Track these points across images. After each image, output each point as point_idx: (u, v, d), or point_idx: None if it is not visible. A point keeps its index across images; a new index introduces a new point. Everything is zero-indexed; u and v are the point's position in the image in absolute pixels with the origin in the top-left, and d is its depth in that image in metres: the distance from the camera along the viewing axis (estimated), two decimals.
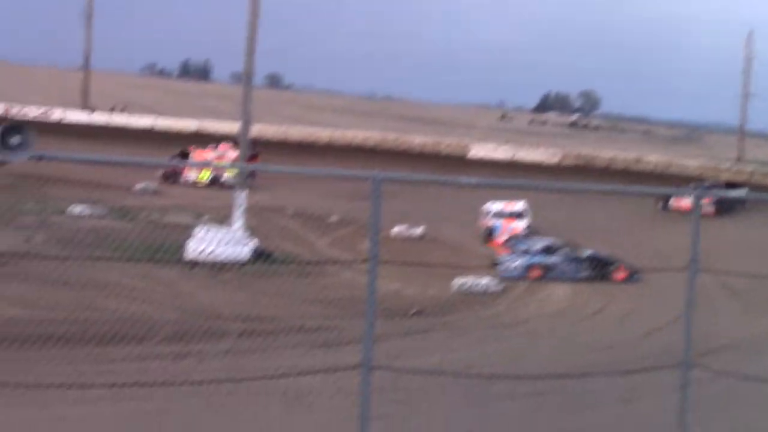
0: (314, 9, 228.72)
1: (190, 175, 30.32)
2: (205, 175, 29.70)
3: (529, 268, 19.25)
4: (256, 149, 35.31)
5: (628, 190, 19.31)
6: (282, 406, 8.29)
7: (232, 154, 32.56)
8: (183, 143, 36.76)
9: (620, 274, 19.08)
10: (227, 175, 28.45)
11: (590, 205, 27.46)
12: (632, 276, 19.07)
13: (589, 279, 18.84)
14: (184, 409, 8.16)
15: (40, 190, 18.53)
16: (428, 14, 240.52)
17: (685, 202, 25.58)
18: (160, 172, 29.29)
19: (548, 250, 20.01)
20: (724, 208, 28.39)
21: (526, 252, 19.99)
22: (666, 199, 30.11)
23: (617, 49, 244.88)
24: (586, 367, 11.06)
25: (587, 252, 20.19)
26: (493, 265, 19.59)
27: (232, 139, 36.33)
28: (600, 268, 18.84)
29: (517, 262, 19.44)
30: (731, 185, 35.09)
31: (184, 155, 32.01)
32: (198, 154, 33.02)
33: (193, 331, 11.87)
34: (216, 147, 34.63)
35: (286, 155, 37.86)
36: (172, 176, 29.74)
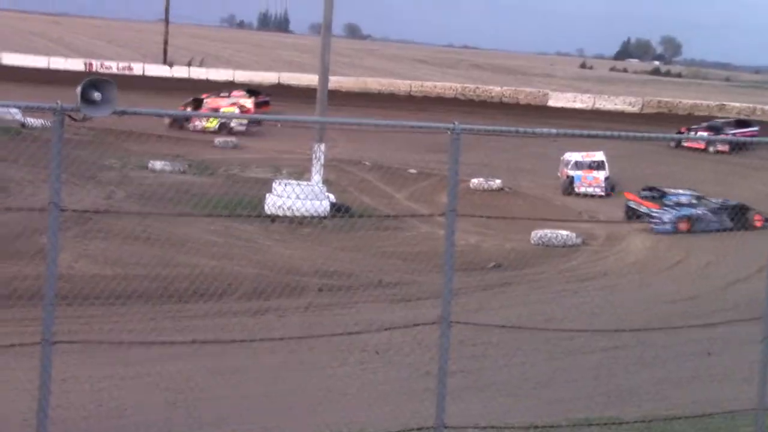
0: None
1: (198, 122, 30.03)
2: (214, 122, 29.64)
3: (678, 221, 18.75)
4: (266, 96, 36.31)
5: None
6: (362, 362, 8.24)
7: (247, 101, 34.24)
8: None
9: (758, 221, 18.16)
10: (235, 122, 29.26)
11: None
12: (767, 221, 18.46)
13: (733, 228, 18.10)
14: (264, 365, 8.25)
15: (121, 146, 18.86)
16: None
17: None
18: (167, 120, 28.60)
19: (691, 203, 19.65)
20: (738, 146, 30.89)
21: (674, 205, 19.41)
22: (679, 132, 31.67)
23: None
24: (666, 320, 10.90)
25: (719, 201, 19.68)
26: (639, 218, 19.11)
27: (247, 87, 38.28)
28: (740, 216, 17.95)
29: (668, 216, 18.85)
30: (742, 122, 36.43)
31: (198, 103, 32.12)
32: (212, 102, 33.27)
33: (273, 287, 11.93)
34: (229, 95, 35.22)
35: (366, 106, 37.77)
36: (179, 122, 29.32)
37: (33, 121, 20.57)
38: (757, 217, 18.10)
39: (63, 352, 4.03)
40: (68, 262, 11.03)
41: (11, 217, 13.11)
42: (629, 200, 20.28)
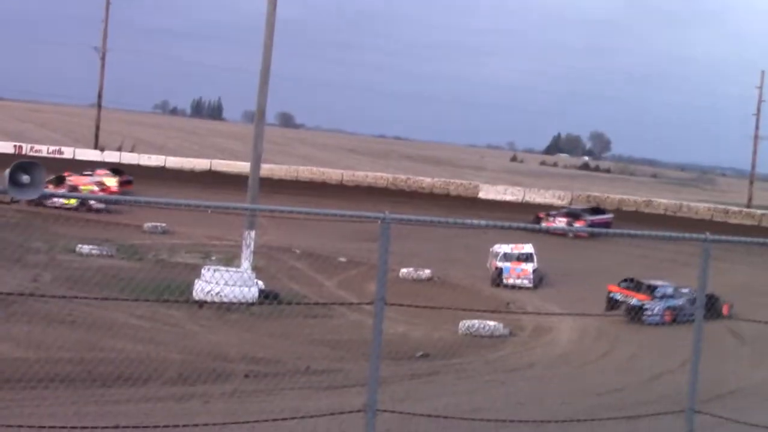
0: (326, 50, 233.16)
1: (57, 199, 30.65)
2: (72, 200, 30.33)
3: (664, 312, 19.91)
4: (129, 176, 37.83)
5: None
6: None
7: (110, 179, 35.82)
8: (196, 182, 37.52)
9: (726, 310, 19.63)
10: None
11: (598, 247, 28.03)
12: (731, 309, 19.82)
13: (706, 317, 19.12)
14: None
15: (49, 229, 18.67)
16: (438, 55, 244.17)
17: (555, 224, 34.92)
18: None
19: (673, 294, 20.85)
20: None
21: (662, 297, 20.48)
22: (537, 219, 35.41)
23: (628, 93, 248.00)
24: (591, 412, 11.09)
25: (691, 291, 20.74)
26: (632, 310, 19.82)
27: (110, 167, 39.85)
28: (712, 305, 19.27)
29: (658, 307, 19.94)
30: (597, 210, 40.19)
31: (60, 180, 32.44)
32: (75, 180, 33.97)
33: (198, 373, 11.76)
34: (93, 173, 36.29)
35: (298, 194, 38.49)
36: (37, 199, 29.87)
37: None
38: (725, 306, 19.61)
39: None
40: None
41: None
42: (613, 292, 21.01)
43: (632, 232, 20.53)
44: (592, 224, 35.66)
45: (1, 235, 12.37)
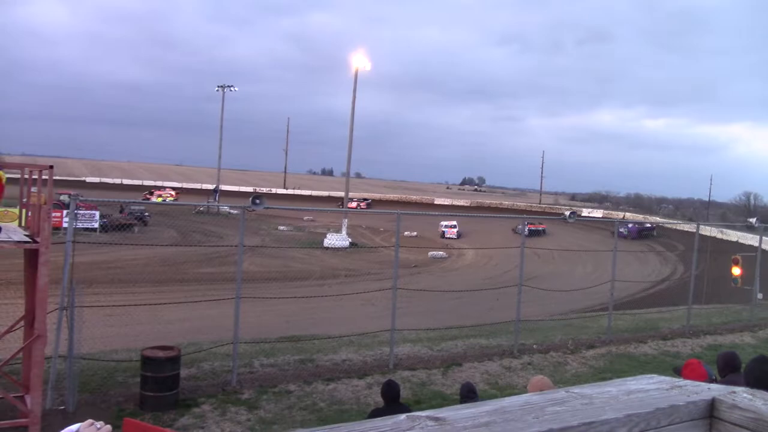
0: None
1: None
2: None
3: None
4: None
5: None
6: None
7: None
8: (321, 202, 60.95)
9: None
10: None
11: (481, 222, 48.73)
12: None
13: None
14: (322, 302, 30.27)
15: (266, 220, 42.67)
16: None
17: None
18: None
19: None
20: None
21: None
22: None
23: None
24: (479, 285, 31.66)
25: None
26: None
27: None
28: None
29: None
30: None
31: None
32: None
33: (327, 275, 33.86)
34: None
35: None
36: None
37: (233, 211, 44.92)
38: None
39: None
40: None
41: (225, 249, 36.01)
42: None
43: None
44: None
45: (250, 224, 35.14)
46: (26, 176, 9.40)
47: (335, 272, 33.60)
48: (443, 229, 48.75)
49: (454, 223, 48.06)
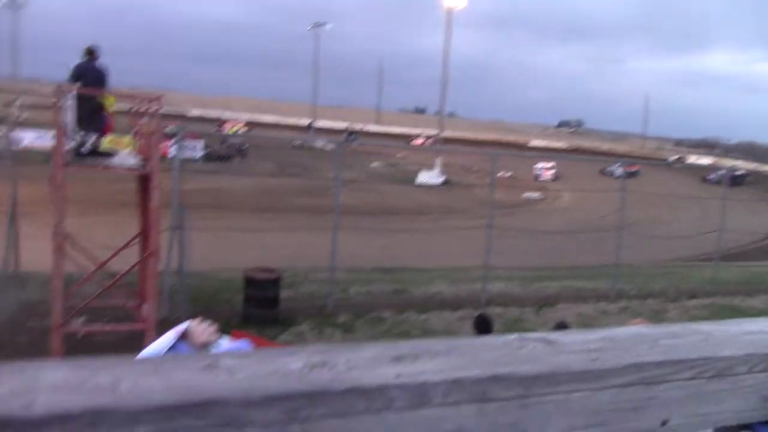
0: None
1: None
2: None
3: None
4: None
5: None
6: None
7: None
8: None
9: None
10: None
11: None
12: None
13: None
14: None
15: (360, 156, 43.69)
16: None
17: None
18: None
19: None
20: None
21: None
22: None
23: None
24: (575, 229, 31.26)
25: None
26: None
27: None
28: None
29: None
30: None
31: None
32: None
33: (418, 211, 34.14)
34: None
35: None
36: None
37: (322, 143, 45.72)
38: None
39: None
40: None
41: (322, 182, 36.82)
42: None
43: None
44: None
45: (345, 159, 35.47)
46: (137, 108, 9.87)
47: (428, 208, 33.75)
48: (538, 171, 47.89)
49: (551, 164, 46.86)
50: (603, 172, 45.91)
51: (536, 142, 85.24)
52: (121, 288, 9.52)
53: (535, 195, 38.35)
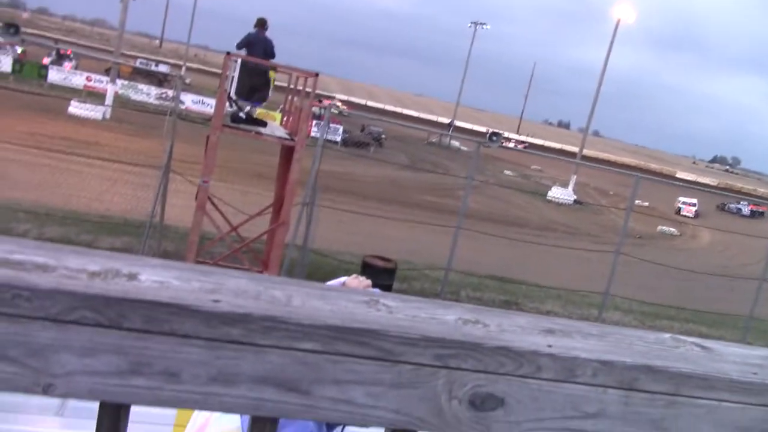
0: None
1: None
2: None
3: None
4: None
5: None
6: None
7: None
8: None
9: None
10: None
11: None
12: None
13: None
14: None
15: (493, 162, 42.70)
16: None
17: None
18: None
19: None
20: None
21: None
22: None
23: None
24: (706, 269, 29.52)
25: None
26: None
27: None
28: None
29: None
30: None
31: None
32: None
33: (545, 227, 33.36)
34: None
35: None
36: None
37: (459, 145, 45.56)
38: None
39: None
40: None
41: (450, 182, 36.74)
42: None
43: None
44: None
45: (478, 162, 35.16)
46: (292, 84, 10.31)
47: (554, 226, 32.85)
48: (680, 205, 44.89)
49: (695, 201, 44.00)
50: (723, 209, 42.56)
51: (683, 175, 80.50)
52: (248, 253, 10.04)
53: (672, 230, 36.27)
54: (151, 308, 0.46)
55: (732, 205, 46.17)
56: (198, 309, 0.48)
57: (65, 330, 0.44)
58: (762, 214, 43.10)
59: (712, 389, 0.56)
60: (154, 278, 0.49)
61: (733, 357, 0.61)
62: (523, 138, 78.28)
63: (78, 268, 0.48)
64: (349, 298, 0.55)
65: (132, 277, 0.49)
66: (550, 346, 0.53)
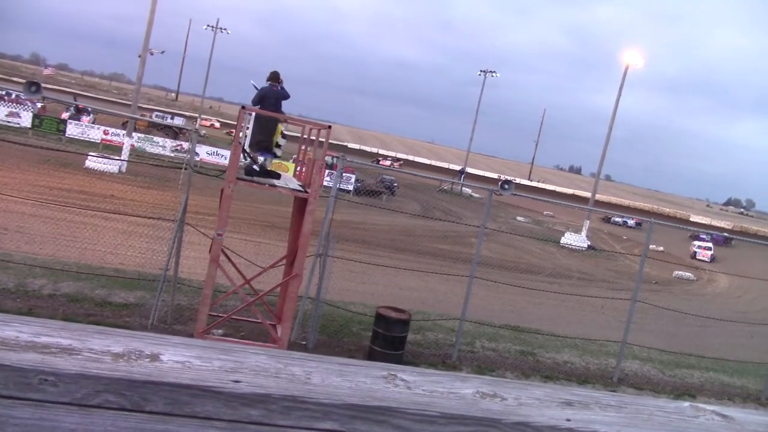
0: None
1: None
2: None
3: None
4: None
5: None
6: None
7: None
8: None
9: None
10: None
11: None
12: None
13: None
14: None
15: (505, 209, 42.54)
16: None
17: None
18: None
19: None
20: None
21: None
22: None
23: None
24: (725, 315, 28.92)
25: None
26: None
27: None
28: None
29: None
30: None
31: None
32: None
33: (559, 274, 33.08)
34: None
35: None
36: None
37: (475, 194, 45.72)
38: None
39: None
40: None
41: (462, 230, 36.70)
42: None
43: None
44: None
45: (490, 210, 35.22)
46: (305, 135, 10.46)
47: (568, 272, 32.52)
48: (695, 249, 44.69)
49: (710, 244, 43.62)
50: (608, 221, 41.97)
51: (697, 218, 79.94)
52: (261, 306, 10.01)
53: (688, 274, 35.84)
54: (174, 390, 0.46)
55: (617, 218, 48.31)
56: (220, 390, 0.48)
57: (89, 414, 0.44)
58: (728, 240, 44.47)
59: None
60: (176, 358, 0.50)
61: (754, 426, 0.60)
62: (401, 156, 77.80)
63: (102, 350, 0.49)
64: (367, 374, 0.55)
65: (154, 357, 0.49)
66: (568, 420, 0.53)
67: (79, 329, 0.52)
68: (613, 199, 72.83)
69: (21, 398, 0.43)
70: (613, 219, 52.09)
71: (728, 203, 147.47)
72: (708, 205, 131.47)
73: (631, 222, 52.54)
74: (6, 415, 0.43)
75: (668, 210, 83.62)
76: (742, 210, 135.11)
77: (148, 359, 0.50)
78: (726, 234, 51.47)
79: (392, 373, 0.55)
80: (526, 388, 0.56)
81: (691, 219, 78.75)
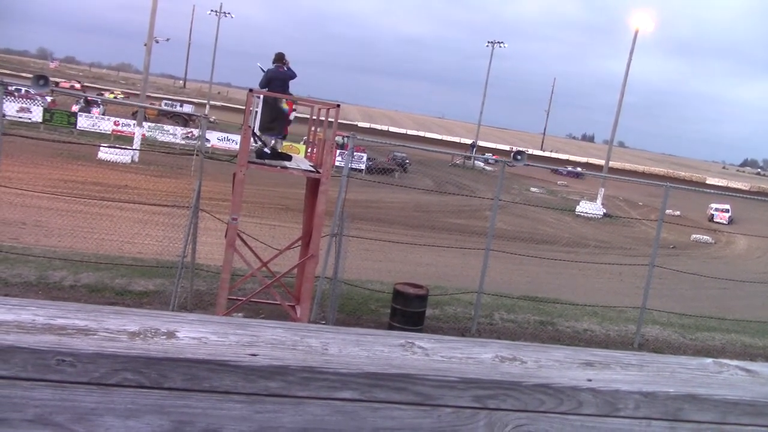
0: None
1: None
2: None
3: None
4: None
5: None
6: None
7: None
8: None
9: None
10: None
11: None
12: None
13: None
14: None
15: (519, 180, 42.28)
16: None
17: None
18: None
19: None
20: None
21: None
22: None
23: None
24: (745, 277, 28.70)
25: None
26: None
27: None
28: None
29: None
30: None
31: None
32: None
33: (575, 243, 32.94)
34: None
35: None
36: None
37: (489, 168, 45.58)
38: None
39: None
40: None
41: (476, 203, 36.63)
42: None
43: None
44: None
45: (504, 182, 35.10)
46: (314, 116, 10.43)
47: (585, 241, 32.39)
48: (713, 212, 44.10)
49: (727, 206, 43.18)
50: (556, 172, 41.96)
51: (713, 181, 79.04)
52: (279, 287, 10.08)
53: (706, 238, 35.57)
54: (191, 366, 0.46)
55: (560, 169, 49.06)
56: (237, 364, 0.48)
57: (108, 393, 0.45)
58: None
59: (760, 415, 0.55)
60: (192, 335, 0.50)
61: None
62: (411, 132, 78.04)
63: (118, 329, 0.49)
64: (384, 342, 0.55)
65: (170, 335, 0.49)
66: (589, 380, 0.52)
67: (94, 310, 0.52)
68: (627, 166, 72.14)
69: (40, 380, 0.43)
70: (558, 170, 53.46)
71: (744, 164, 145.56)
72: (724, 167, 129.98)
73: (571, 169, 54.34)
74: (26, 397, 0.43)
75: (684, 174, 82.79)
76: (758, 170, 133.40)
77: (164, 336, 0.50)
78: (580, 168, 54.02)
79: (409, 341, 0.55)
80: (546, 350, 0.55)
81: (707, 182, 77.87)
